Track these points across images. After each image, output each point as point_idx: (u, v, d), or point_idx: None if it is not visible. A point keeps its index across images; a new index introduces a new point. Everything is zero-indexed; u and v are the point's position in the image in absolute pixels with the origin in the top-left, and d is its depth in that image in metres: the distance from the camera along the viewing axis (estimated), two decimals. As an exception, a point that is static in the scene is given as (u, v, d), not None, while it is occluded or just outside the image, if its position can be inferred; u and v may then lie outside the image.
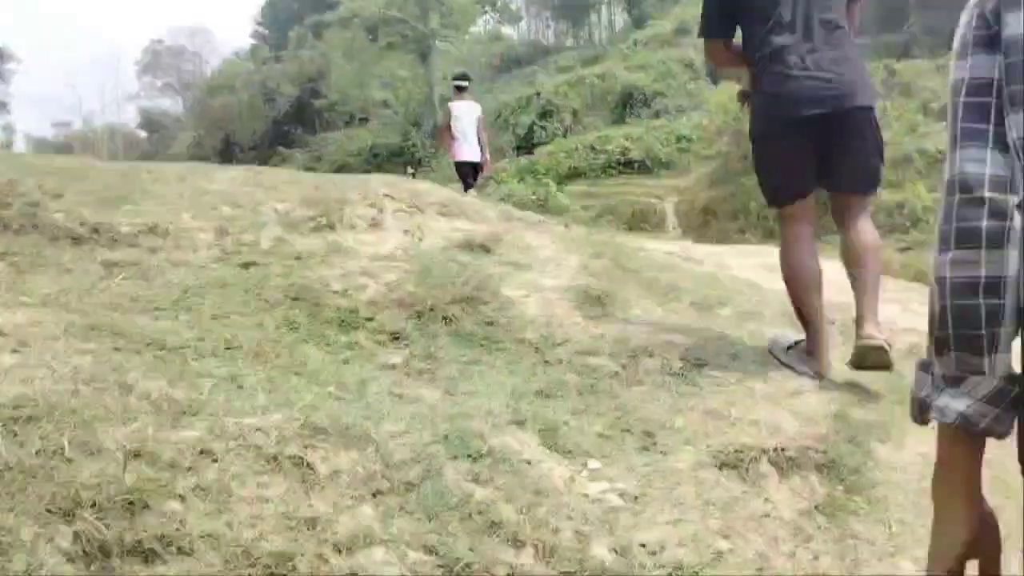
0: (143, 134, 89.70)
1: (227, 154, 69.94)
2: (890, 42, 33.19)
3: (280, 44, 70.06)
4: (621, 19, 72.81)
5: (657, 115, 37.89)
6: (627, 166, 31.73)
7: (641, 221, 28.88)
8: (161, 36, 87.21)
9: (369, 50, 54.58)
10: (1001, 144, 1.05)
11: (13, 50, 43.72)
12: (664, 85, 39.96)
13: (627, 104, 40.50)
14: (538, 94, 43.65)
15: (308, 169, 60.15)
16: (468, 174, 10.12)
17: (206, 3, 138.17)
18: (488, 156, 10.31)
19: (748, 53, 3.64)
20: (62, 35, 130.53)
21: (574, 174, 33.05)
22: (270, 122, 63.87)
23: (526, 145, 41.26)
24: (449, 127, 10.12)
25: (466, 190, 9.47)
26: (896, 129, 22.07)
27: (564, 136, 39.84)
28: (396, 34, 52.63)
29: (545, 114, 41.38)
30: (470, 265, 4.42)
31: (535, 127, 41.05)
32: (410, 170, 46.91)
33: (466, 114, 10.04)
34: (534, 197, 29.00)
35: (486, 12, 77.02)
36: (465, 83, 10.49)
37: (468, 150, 9.95)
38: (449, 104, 10.58)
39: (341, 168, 58.45)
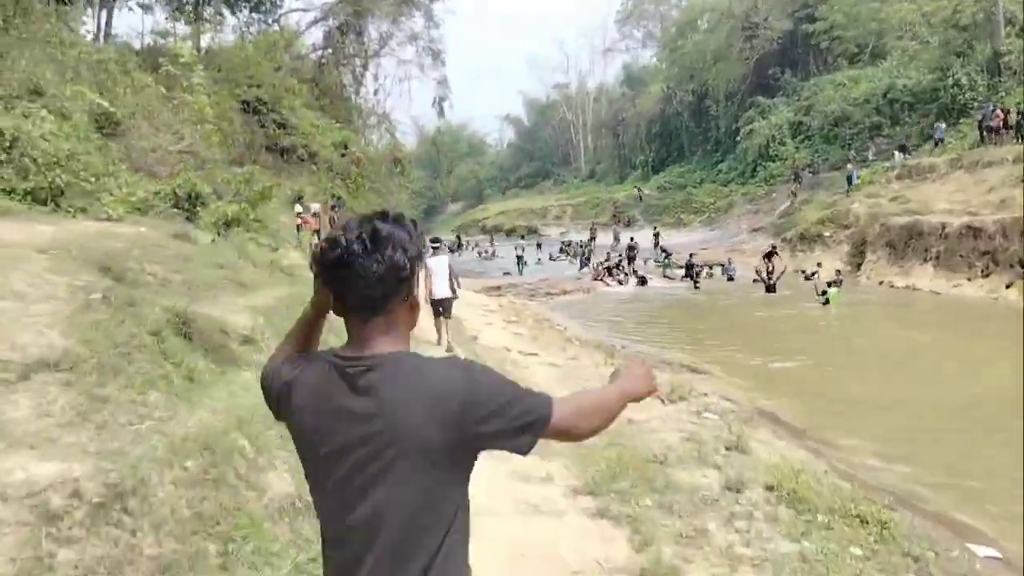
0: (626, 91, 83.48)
1: (699, 109, 59.07)
2: None
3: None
4: None
5: None
6: None
7: None
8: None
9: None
10: None
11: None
12: None
13: None
14: None
15: (793, 126, 46.01)
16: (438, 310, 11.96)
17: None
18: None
19: None
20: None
21: None
22: (750, 66, 50.59)
23: None
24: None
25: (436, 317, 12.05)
26: None
27: None
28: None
29: None
30: None
31: None
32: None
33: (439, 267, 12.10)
34: None
35: None
36: (439, 244, 13.72)
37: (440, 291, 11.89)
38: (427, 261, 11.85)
39: (838, 122, 43.66)
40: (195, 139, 19.31)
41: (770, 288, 22.66)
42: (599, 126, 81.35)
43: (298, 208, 21.43)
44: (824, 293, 19.87)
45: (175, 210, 14.81)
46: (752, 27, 49.91)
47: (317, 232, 20.81)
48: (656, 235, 37.52)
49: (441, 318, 12.05)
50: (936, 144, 31.85)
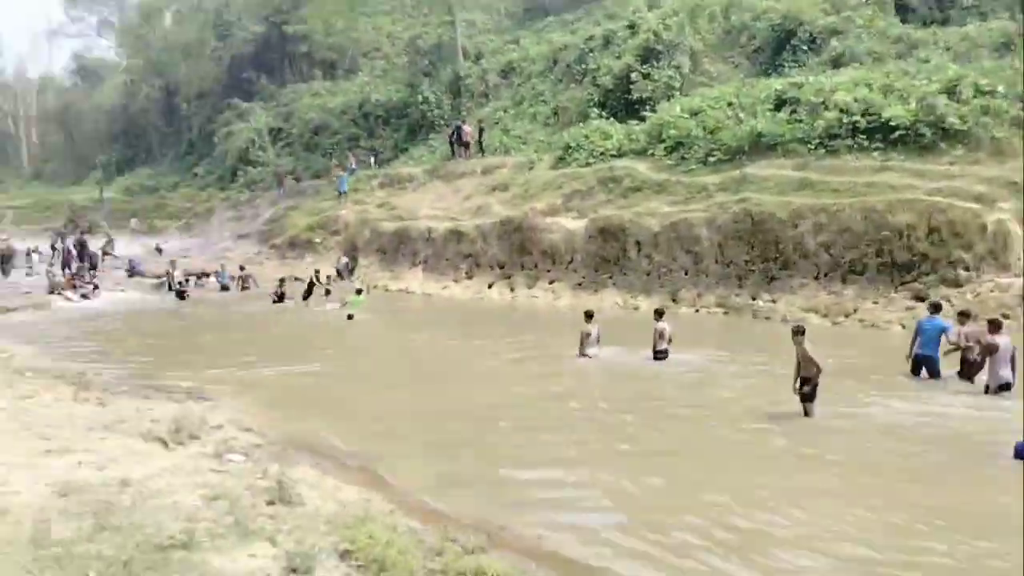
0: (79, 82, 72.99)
1: (169, 107, 54.15)
2: None
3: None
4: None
5: (836, 65, 23.49)
6: (872, 136, 17.06)
7: (953, 241, 14.38)
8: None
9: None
10: None
11: None
12: (840, 20, 25.54)
13: (784, 47, 25.99)
14: (631, 27, 28.77)
15: (272, 132, 44.66)
16: None
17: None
18: None
19: None
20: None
21: (761, 146, 18.32)
22: (224, 65, 47.95)
23: (619, 103, 26.54)
24: None
25: None
26: None
27: (680, 91, 25.35)
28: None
29: (650, 56, 26.54)
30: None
31: (633, 75, 26.24)
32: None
33: None
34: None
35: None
36: None
37: None
38: None
39: (318, 130, 43.60)
40: None
41: (280, 298, 20.84)
42: (47, 119, 70.01)
43: None
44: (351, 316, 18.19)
45: None
46: (226, 25, 47.43)
47: None
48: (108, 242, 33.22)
49: None
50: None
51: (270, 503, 6.20)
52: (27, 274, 28.02)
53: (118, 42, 60.57)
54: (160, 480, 6.58)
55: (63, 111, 65.40)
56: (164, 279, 25.08)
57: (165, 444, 7.83)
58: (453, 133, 29.88)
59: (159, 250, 30.81)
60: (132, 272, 28.00)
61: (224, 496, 6.25)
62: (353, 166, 33.89)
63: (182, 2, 50.43)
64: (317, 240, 28.35)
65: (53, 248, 33.17)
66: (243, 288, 24.52)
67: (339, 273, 24.68)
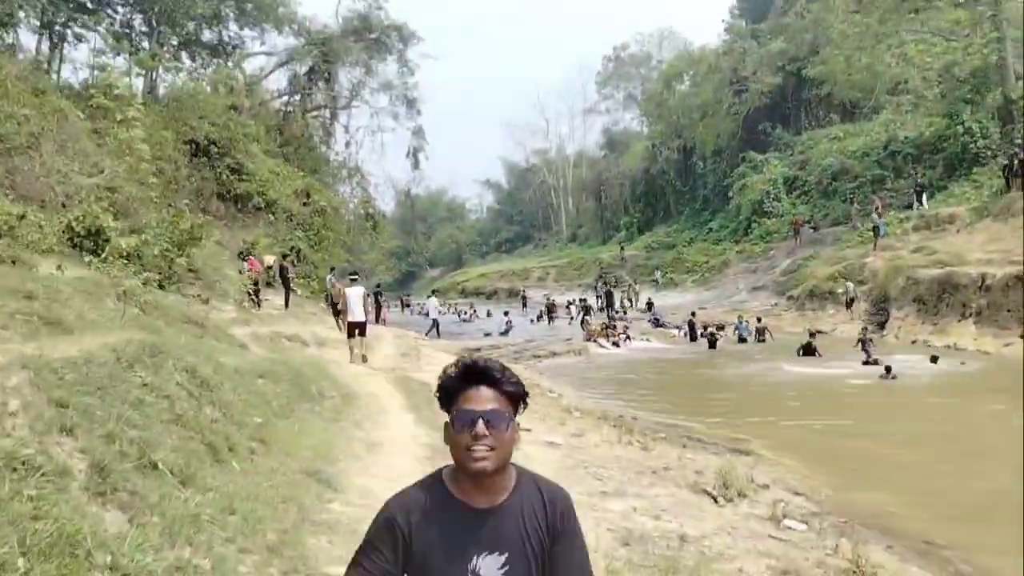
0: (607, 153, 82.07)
1: (686, 167, 57.04)
2: None
3: (759, 17, 54.37)
4: None
5: None
6: None
7: None
8: (626, 42, 77.89)
9: (888, 4, 35.92)
10: None
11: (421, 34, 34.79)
12: None
13: None
14: None
15: (788, 181, 43.70)
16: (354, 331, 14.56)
17: (678, 4, 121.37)
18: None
19: None
20: (534, 56, 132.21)
21: None
22: (739, 121, 48.65)
23: None
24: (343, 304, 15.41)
25: (349, 337, 14.70)
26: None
27: None
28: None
29: None
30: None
31: None
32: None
33: (355, 295, 14.71)
34: None
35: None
36: (356, 277, 16.03)
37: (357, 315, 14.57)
38: (345, 290, 15.36)
39: (836, 176, 41.24)
40: (118, 174, 16.32)
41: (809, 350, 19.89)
42: (580, 189, 79.40)
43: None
44: (889, 370, 16.17)
45: (70, 246, 11.77)
46: (741, 81, 48.22)
47: (256, 283, 17.65)
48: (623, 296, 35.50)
49: (357, 337, 14.35)
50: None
51: (852, 590, 5.08)
52: (569, 323, 31.24)
53: (641, 111, 66.04)
54: (718, 540, 5.91)
55: (594, 180, 73.37)
56: (683, 329, 25.83)
57: (715, 499, 7.22)
58: (1009, 164, 25.45)
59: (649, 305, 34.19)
60: (657, 323, 29.40)
61: (794, 571, 5.31)
62: (879, 208, 31.14)
63: (699, 65, 52.70)
64: (839, 291, 26.34)
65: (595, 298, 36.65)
66: (759, 340, 23.98)
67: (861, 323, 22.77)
